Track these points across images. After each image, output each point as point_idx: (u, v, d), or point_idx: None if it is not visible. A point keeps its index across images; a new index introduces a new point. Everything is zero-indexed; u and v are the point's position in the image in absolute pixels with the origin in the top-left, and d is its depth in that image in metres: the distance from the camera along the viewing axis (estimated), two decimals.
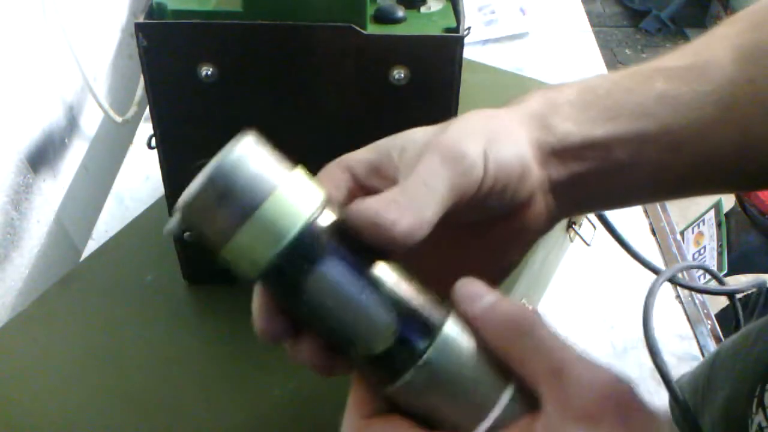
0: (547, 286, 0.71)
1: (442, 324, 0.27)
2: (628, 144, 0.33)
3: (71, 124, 0.83)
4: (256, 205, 0.25)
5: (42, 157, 0.74)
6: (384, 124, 0.41)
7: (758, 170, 0.35)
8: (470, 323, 0.27)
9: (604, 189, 0.34)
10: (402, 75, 0.42)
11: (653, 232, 0.80)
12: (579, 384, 0.25)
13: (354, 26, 0.40)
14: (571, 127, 0.33)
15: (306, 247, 0.26)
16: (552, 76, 0.94)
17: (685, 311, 0.72)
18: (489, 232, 0.34)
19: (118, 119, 0.86)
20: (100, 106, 0.83)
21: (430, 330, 0.26)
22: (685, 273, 0.74)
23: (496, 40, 1.07)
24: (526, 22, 1.09)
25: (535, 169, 0.32)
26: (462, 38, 0.41)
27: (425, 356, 0.26)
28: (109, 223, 0.77)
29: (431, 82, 0.42)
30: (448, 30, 0.42)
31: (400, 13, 0.43)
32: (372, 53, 0.41)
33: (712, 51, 0.35)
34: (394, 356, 0.26)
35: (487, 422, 0.26)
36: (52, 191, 0.76)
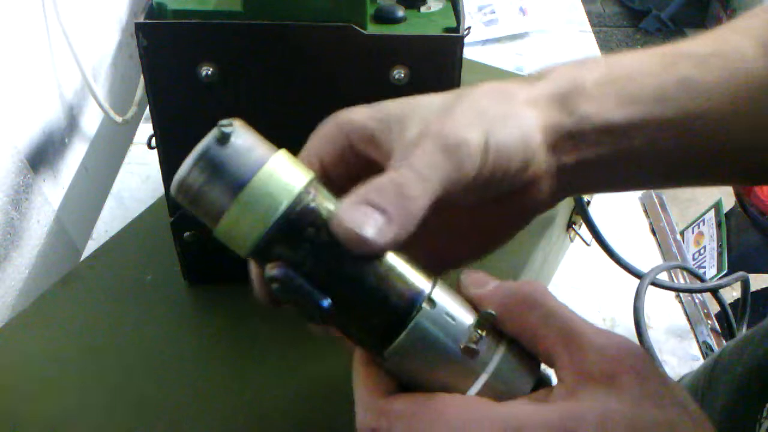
0: (547, 286, 0.71)
1: (430, 289, 0.27)
2: (645, 129, 0.32)
3: (71, 124, 0.83)
4: (245, 182, 0.26)
5: (42, 157, 0.74)
6: None
7: None
8: (480, 303, 0.28)
9: (614, 173, 0.34)
10: (402, 75, 0.42)
11: (653, 232, 0.80)
12: (593, 348, 0.25)
13: (354, 26, 0.40)
14: (591, 110, 0.32)
15: (295, 223, 0.26)
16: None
17: (685, 311, 0.72)
18: (488, 210, 0.33)
19: (118, 119, 0.86)
20: (100, 106, 0.83)
21: (418, 295, 0.27)
22: (676, 272, 0.74)
23: (496, 40, 1.07)
24: (526, 22, 1.09)
25: (541, 155, 0.31)
26: (462, 38, 0.41)
27: (415, 319, 0.27)
28: (109, 223, 0.77)
29: (431, 81, 0.42)
30: (448, 30, 0.42)
31: (400, 13, 0.43)
32: (372, 53, 0.41)
33: (735, 40, 0.34)
34: (387, 322, 0.27)
35: (484, 376, 0.27)
36: (52, 191, 0.76)
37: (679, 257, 0.77)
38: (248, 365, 0.49)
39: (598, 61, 0.34)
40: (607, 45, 2.73)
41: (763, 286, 1.43)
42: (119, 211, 0.78)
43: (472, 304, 0.29)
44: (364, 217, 0.26)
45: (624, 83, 0.33)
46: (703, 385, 0.54)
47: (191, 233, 0.50)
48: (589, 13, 1.17)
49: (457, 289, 0.29)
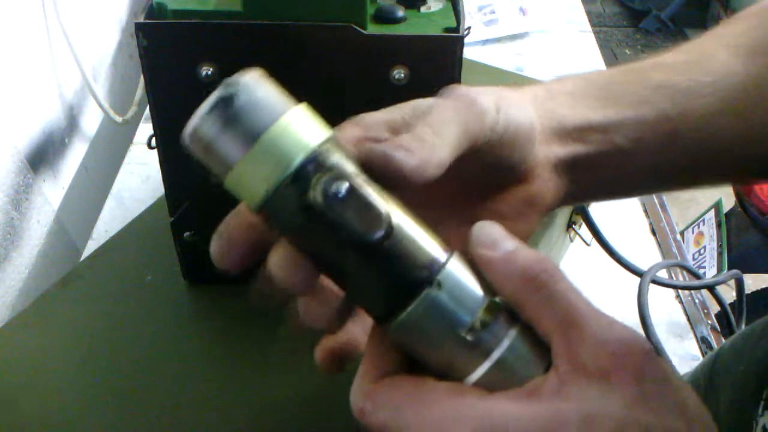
0: None
1: (446, 260, 0.26)
2: (625, 129, 0.33)
3: (71, 124, 0.83)
4: (262, 130, 0.25)
5: (42, 157, 0.74)
6: None
7: (764, 162, 0.35)
8: (486, 268, 0.27)
9: (607, 174, 0.34)
10: (402, 75, 0.42)
11: (653, 232, 0.80)
12: (592, 341, 0.24)
13: (354, 26, 0.40)
14: (568, 112, 0.33)
15: (309, 177, 0.25)
16: (552, 76, 0.94)
17: (685, 311, 0.72)
18: (498, 196, 0.34)
19: (118, 119, 0.86)
20: (100, 106, 0.83)
21: (434, 265, 0.26)
22: (676, 272, 0.75)
23: (496, 40, 1.07)
24: (526, 22, 1.09)
25: (540, 140, 0.32)
26: (462, 38, 0.41)
27: (423, 294, 0.26)
28: (109, 223, 0.77)
29: (431, 81, 0.42)
30: (448, 30, 0.42)
31: (400, 12, 0.43)
32: (372, 53, 0.41)
33: (709, 47, 0.35)
34: (396, 293, 0.26)
35: (493, 356, 0.26)
36: (52, 191, 0.76)
37: (679, 257, 0.77)
38: (248, 365, 0.49)
39: (573, 77, 0.36)
40: (607, 45, 2.73)
41: (764, 286, 1.43)
42: (119, 211, 0.78)
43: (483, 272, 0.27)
44: (390, 145, 0.27)
45: (600, 91, 0.34)
46: (704, 384, 0.54)
47: (191, 233, 0.50)
48: (589, 13, 1.17)
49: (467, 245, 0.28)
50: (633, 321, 0.70)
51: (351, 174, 0.26)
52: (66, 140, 0.81)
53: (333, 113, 0.44)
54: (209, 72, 0.42)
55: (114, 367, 0.49)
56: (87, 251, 0.73)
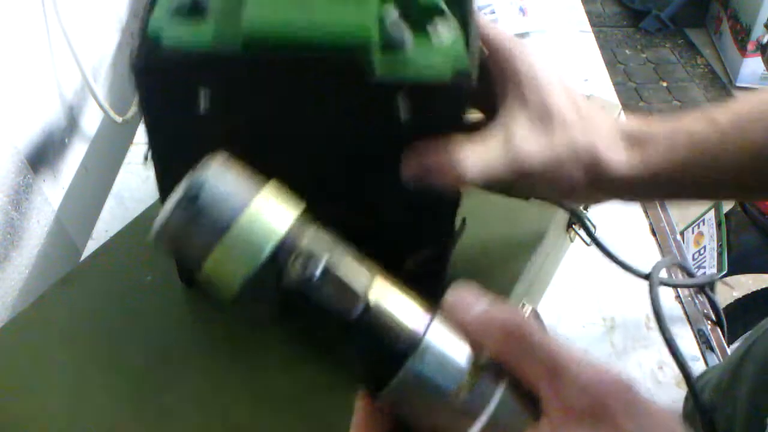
0: (547, 286, 0.71)
1: (426, 328, 0.27)
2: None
3: (71, 124, 0.83)
4: (228, 224, 0.25)
5: (42, 157, 0.74)
6: (386, 160, 0.40)
7: None
8: (466, 330, 0.27)
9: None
10: (405, 114, 0.39)
11: (653, 232, 0.80)
12: (577, 384, 0.25)
13: (359, 63, 0.37)
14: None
15: (281, 263, 0.25)
16: None
17: (685, 311, 0.72)
18: None
19: (118, 119, 0.86)
20: (100, 106, 0.83)
21: (414, 336, 0.26)
22: (676, 273, 0.75)
23: None
24: (526, 22, 1.09)
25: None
26: (472, 82, 0.38)
27: (407, 363, 0.26)
28: (109, 223, 0.77)
29: (436, 120, 0.40)
30: (458, 71, 0.38)
31: (408, 42, 0.38)
32: (375, 93, 0.38)
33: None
34: (381, 365, 0.26)
35: (484, 417, 0.26)
36: (52, 191, 0.76)
37: (679, 257, 0.77)
38: (247, 366, 0.49)
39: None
40: (607, 45, 2.73)
41: (764, 286, 1.43)
42: (119, 211, 0.78)
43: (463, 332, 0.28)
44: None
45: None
46: (728, 377, 0.54)
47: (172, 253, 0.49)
48: (589, 13, 1.17)
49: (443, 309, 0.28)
50: (635, 320, 0.70)
51: (324, 253, 0.26)
52: (66, 140, 0.81)
53: (333, 149, 0.42)
54: (207, 106, 0.39)
55: (114, 367, 0.49)
56: (87, 251, 0.73)
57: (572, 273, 0.73)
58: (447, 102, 0.39)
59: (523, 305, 0.56)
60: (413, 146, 0.39)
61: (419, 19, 0.39)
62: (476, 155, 0.38)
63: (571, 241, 0.73)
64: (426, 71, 0.38)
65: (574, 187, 0.40)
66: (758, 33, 2.38)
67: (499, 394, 0.26)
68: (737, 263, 1.30)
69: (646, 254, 0.76)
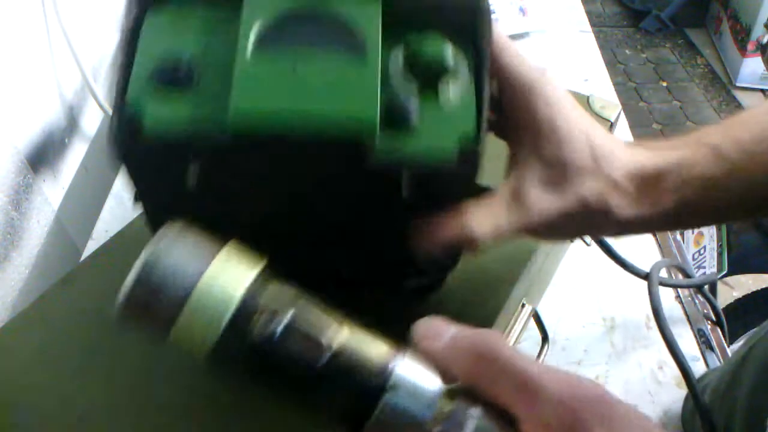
0: (547, 286, 0.71)
1: (396, 362, 0.27)
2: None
3: (71, 124, 0.83)
4: (187, 293, 0.25)
5: (42, 157, 0.74)
6: (387, 237, 0.39)
7: None
8: (435, 359, 0.28)
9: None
10: (410, 193, 0.36)
11: (653, 232, 0.80)
12: (551, 400, 0.25)
13: (358, 150, 0.34)
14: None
15: (244, 325, 0.26)
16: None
17: (685, 311, 0.72)
18: None
19: None
20: (100, 106, 0.83)
21: (385, 371, 0.27)
22: (673, 270, 0.75)
23: None
24: (526, 22, 1.09)
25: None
26: (479, 156, 0.35)
27: (381, 403, 0.26)
28: (109, 223, 0.77)
29: (441, 195, 0.38)
30: (466, 147, 0.35)
31: (413, 109, 0.35)
32: (375, 175, 0.35)
33: None
34: (353, 409, 0.27)
35: None
36: (52, 191, 0.76)
37: (679, 257, 0.77)
38: None
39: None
40: (607, 45, 2.73)
41: (764, 286, 1.43)
42: (119, 211, 0.78)
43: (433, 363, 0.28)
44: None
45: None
46: (728, 377, 0.54)
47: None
48: (589, 13, 1.17)
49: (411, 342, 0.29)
50: (635, 320, 0.70)
51: (287, 308, 0.26)
52: (66, 140, 0.81)
53: (330, 227, 0.40)
54: (195, 183, 0.35)
55: (114, 366, 0.49)
56: (87, 251, 0.73)
57: (572, 273, 0.73)
58: (453, 181, 0.37)
59: (523, 305, 0.56)
60: (418, 224, 0.38)
61: (425, 74, 0.36)
62: (487, 220, 0.38)
63: (571, 241, 0.73)
64: (431, 152, 0.34)
65: (583, 233, 0.43)
66: (758, 33, 2.38)
67: (475, 418, 0.27)
68: (737, 263, 1.30)
69: (645, 254, 0.76)
